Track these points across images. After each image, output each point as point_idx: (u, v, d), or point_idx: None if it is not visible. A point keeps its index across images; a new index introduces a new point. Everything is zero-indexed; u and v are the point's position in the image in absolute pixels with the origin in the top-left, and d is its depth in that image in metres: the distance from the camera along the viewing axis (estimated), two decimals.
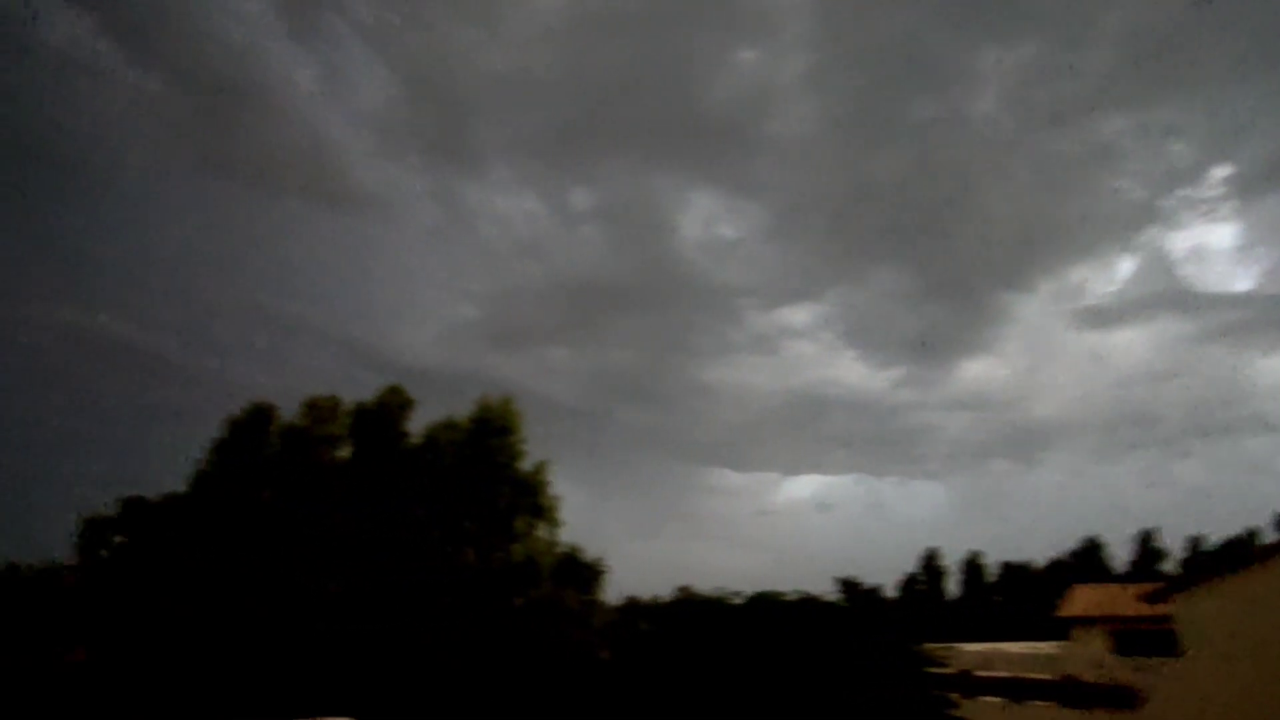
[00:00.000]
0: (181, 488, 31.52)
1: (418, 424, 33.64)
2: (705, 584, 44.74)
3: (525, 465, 33.23)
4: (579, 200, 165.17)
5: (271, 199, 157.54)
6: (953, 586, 61.94)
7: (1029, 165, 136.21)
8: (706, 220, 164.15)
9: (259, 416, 32.25)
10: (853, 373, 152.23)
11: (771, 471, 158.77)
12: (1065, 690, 25.45)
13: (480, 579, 31.15)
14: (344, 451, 32.63)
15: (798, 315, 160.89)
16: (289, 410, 32.92)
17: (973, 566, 61.45)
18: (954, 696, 25.37)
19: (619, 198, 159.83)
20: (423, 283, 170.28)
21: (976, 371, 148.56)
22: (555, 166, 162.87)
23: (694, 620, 32.03)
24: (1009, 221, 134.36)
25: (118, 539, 32.53)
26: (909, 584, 62.73)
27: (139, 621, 29.21)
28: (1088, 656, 26.24)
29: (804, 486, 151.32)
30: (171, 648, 28.48)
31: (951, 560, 62.88)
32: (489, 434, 32.60)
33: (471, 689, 28.56)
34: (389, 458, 32.31)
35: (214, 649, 28.41)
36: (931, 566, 62.81)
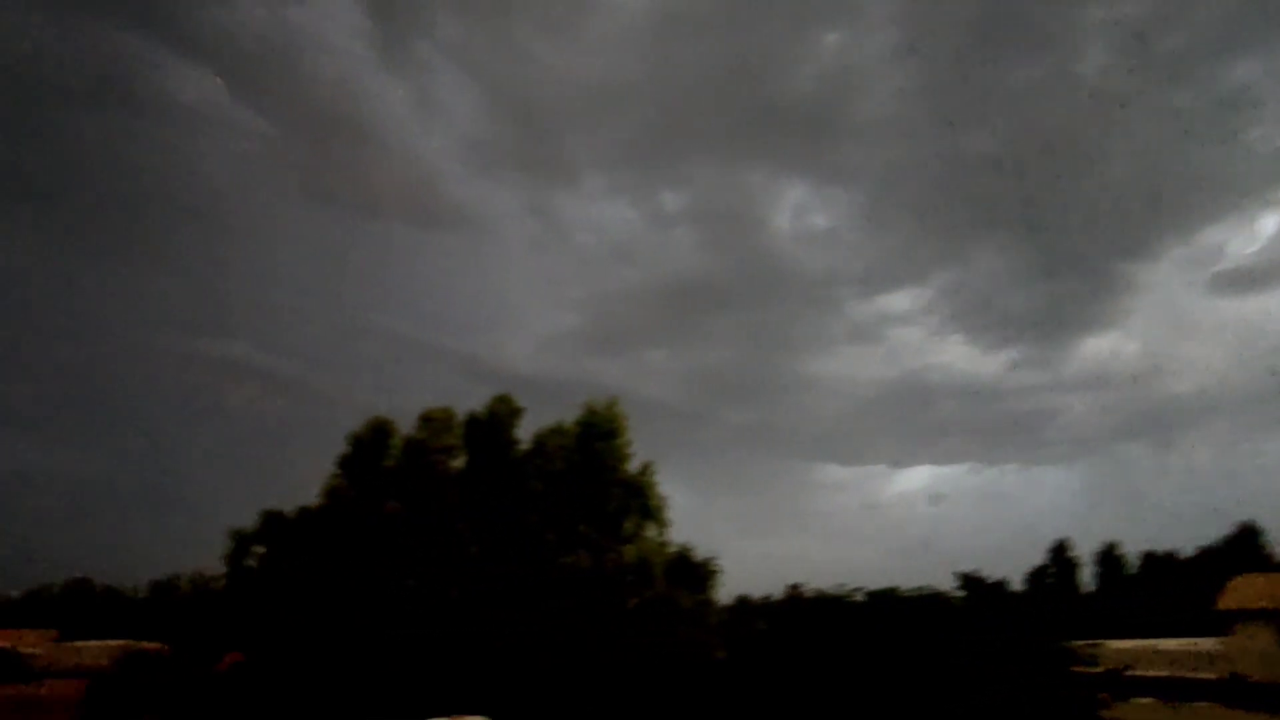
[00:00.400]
0: (314, 500, 33.50)
1: (526, 430, 34.58)
2: (815, 581, 43.69)
3: (632, 467, 33.52)
4: (670, 202, 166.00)
5: (379, 224, 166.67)
6: (1087, 579, 58.01)
7: (1148, 122, 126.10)
8: (798, 211, 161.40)
9: (379, 431, 33.95)
10: (961, 357, 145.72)
11: (880, 464, 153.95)
12: (1232, 690, 23.29)
13: (595, 580, 31.55)
14: (459, 461, 33.85)
15: (899, 301, 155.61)
16: (406, 424, 34.50)
17: (1109, 557, 57.27)
18: (1103, 697, 23.65)
19: (709, 196, 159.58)
20: (524, 294, 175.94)
21: (1100, 348, 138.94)
22: (645, 171, 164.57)
23: (811, 618, 31.33)
24: (1129, 185, 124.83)
25: (259, 550, 34.91)
26: (1037, 577, 59.10)
27: (281, 627, 31.20)
28: (1258, 653, 23.90)
29: (914, 478, 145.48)
30: (310, 651, 30.28)
31: (1084, 551, 58.84)
32: (596, 437, 33.06)
33: (590, 689, 28.94)
34: (501, 465, 33.29)
35: (348, 652, 29.99)
36: (1062, 558, 58.93)
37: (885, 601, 28.72)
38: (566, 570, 31.74)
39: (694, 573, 32.90)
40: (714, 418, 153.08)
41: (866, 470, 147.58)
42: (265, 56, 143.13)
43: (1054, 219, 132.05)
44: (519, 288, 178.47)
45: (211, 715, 29.30)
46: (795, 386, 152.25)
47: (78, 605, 52.92)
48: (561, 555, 32.41)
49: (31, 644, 38.23)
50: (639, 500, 32.94)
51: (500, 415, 33.99)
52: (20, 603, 56.05)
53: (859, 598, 29.64)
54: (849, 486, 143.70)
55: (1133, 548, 57.49)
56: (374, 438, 33.89)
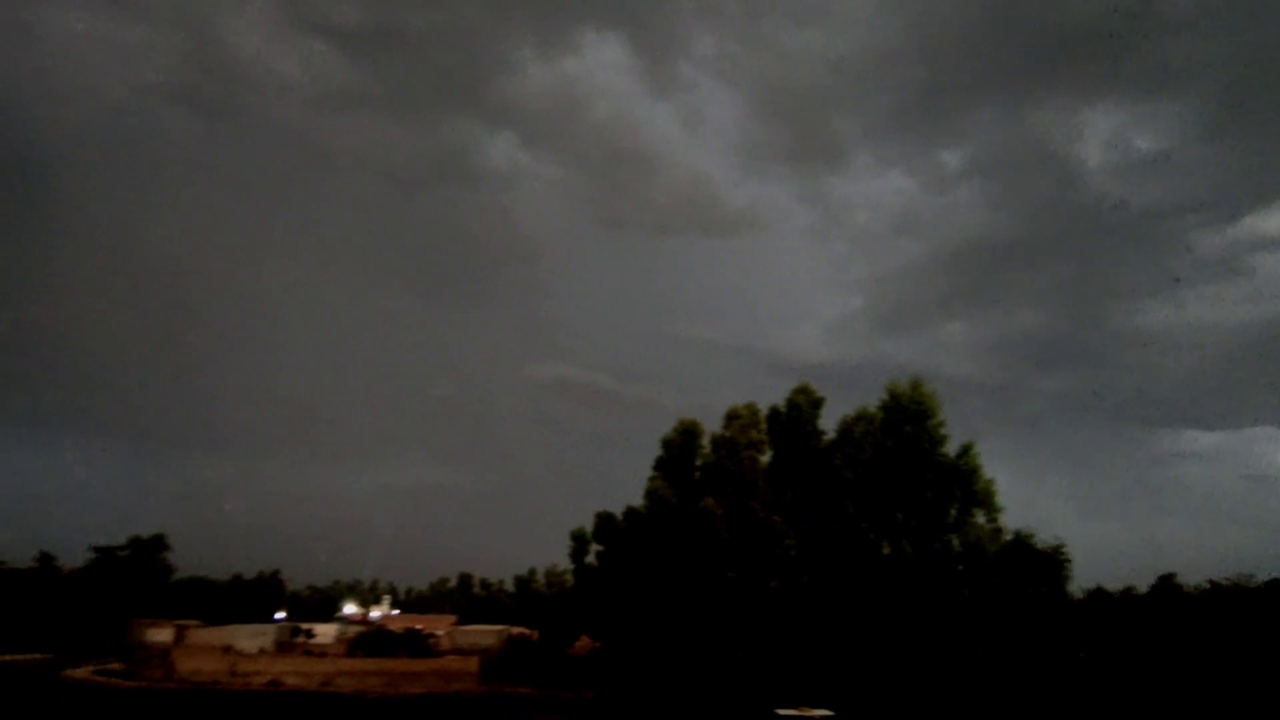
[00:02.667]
0: (638, 502, 36.47)
1: (828, 419, 34.17)
2: (1186, 571, 36.95)
3: (949, 449, 31.30)
4: (949, 162, 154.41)
5: (667, 239, 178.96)
6: None
7: None
8: (1111, 139, 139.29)
9: (688, 433, 36.02)
10: None
11: (1262, 425, 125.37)
12: None
13: (920, 571, 30.00)
14: (765, 455, 34.51)
15: (1270, 221, 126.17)
16: (712, 423, 36.12)
17: None
18: None
19: (994, 147, 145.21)
20: (806, 283, 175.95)
21: None
22: (917, 136, 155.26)
23: (1199, 614, 26.54)
24: None
25: (597, 548, 38.93)
26: None
27: (622, 617, 34.46)
28: None
29: None
30: (650, 637, 32.98)
31: None
32: (904, 420, 31.43)
33: (927, 684, 27.50)
34: (807, 456, 33.30)
35: (683, 638, 32.09)
36: None
37: None
38: (888, 561, 30.62)
39: (1037, 562, 29.65)
40: (1028, 388, 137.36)
41: (1245, 434, 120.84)
42: (552, 110, 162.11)
43: None
44: (801, 277, 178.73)
45: (572, 688, 33.65)
46: (1128, 342, 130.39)
47: (465, 595, 64.37)
48: (879, 545, 31.37)
49: (439, 627, 47.23)
50: (961, 485, 30.61)
51: (801, 406, 34.01)
52: (427, 595, 70.34)
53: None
54: (1220, 455, 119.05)
55: None
56: (684, 440, 35.97)
